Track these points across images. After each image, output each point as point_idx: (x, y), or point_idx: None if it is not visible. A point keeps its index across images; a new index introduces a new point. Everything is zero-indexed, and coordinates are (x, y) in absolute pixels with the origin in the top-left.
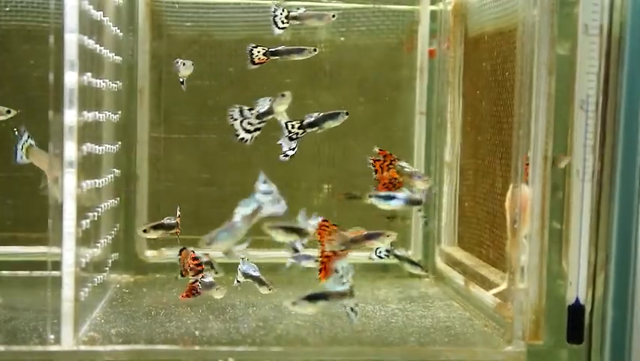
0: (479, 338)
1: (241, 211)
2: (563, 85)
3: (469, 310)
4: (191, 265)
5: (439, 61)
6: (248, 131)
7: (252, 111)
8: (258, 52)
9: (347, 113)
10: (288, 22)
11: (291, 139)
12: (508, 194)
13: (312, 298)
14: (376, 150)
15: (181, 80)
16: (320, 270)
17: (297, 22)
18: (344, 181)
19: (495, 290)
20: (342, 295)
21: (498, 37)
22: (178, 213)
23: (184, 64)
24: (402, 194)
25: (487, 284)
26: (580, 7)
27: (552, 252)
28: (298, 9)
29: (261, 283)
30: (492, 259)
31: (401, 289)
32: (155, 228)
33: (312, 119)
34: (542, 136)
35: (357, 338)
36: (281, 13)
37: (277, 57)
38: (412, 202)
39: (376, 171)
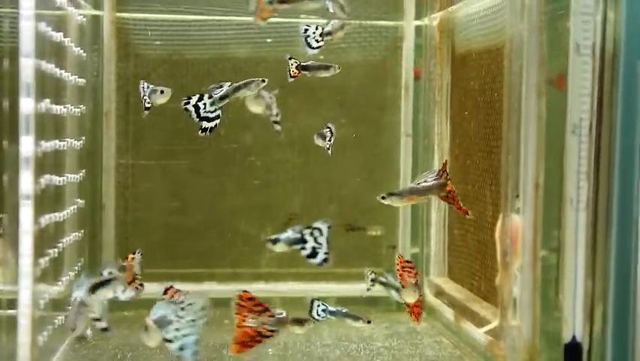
0: None
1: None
2: (554, 107)
3: (460, 348)
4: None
5: (425, 79)
6: (209, 120)
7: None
8: (291, 64)
9: (263, 81)
10: (322, 40)
11: (205, 119)
12: (498, 224)
13: None
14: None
15: (148, 105)
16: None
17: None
18: (324, 209)
19: (486, 328)
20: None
21: (486, 54)
22: (133, 256)
23: (162, 92)
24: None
25: (477, 320)
26: (571, 24)
27: (546, 286)
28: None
29: (355, 318)
30: (483, 292)
31: (388, 324)
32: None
33: (223, 91)
34: (533, 162)
35: None
36: (314, 33)
37: (306, 72)
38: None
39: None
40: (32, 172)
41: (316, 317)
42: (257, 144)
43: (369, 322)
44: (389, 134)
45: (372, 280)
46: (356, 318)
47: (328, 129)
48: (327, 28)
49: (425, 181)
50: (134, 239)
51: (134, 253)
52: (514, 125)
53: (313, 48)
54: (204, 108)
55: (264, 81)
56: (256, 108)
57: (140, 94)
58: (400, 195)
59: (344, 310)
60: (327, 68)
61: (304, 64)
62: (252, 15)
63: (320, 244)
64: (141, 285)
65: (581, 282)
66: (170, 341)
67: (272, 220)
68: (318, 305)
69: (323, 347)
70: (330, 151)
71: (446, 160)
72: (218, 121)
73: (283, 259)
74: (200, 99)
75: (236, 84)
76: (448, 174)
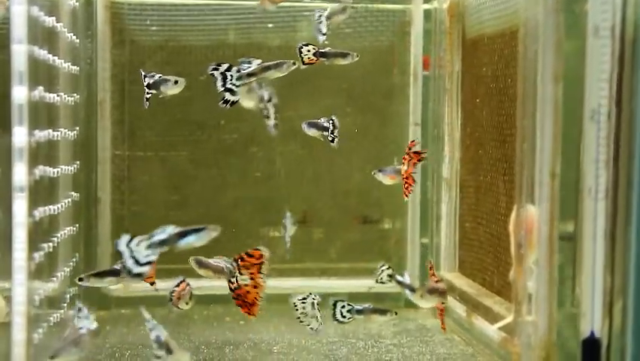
0: None
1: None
2: (572, 93)
3: (472, 345)
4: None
5: (435, 66)
6: (232, 93)
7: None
8: (308, 51)
9: (294, 63)
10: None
11: (229, 91)
12: (513, 215)
13: None
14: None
15: (148, 95)
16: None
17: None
18: (329, 201)
19: (500, 323)
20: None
21: (499, 39)
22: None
23: (176, 82)
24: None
25: (491, 316)
26: (589, 6)
27: (563, 280)
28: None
29: (382, 312)
30: (496, 287)
31: (396, 320)
32: (100, 275)
33: (252, 68)
34: (549, 150)
35: None
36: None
37: (325, 59)
38: None
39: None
40: (26, 163)
41: (341, 319)
42: (258, 134)
43: (396, 313)
44: (397, 123)
45: (390, 276)
46: (383, 312)
47: (331, 121)
48: (327, 12)
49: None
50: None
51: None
52: (529, 112)
53: (324, 34)
54: (230, 79)
55: (294, 64)
56: (248, 103)
57: (145, 84)
58: (384, 172)
59: (371, 307)
60: (344, 55)
61: (322, 51)
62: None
63: None
64: (153, 283)
65: (599, 275)
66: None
67: (274, 213)
68: (343, 306)
69: (329, 344)
70: (334, 144)
71: (414, 140)
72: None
73: (286, 254)
74: (229, 69)
75: (267, 64)
76: (415, 158)
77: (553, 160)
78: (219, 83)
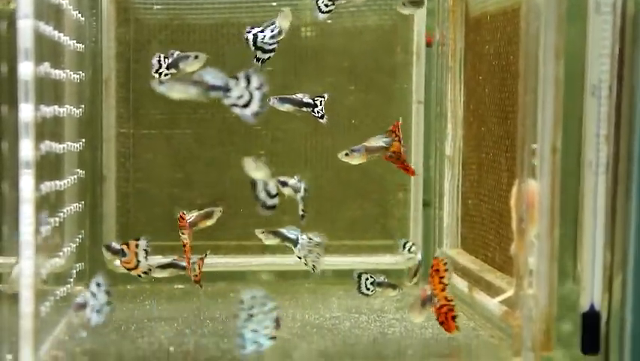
0: (484, 349)
1: None
2: (573, 69)
3: (474, 320)
4: None
5: (438, 44)
6: (265, 51)
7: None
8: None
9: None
10: (333, 3)
11: (260, 49)
12: (514, 191)
13: None
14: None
15: (167, 75)
16: None
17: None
18: (332, 178)
19: (501, 297)
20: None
21: (501, 16)
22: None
23: (196, 57)
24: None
25: (492, 290)
26: None
27: (563, 254)
28: None
29: (393, 287)
30: (498, 263)
31: (399, 296)
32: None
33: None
34: (550, 126)
35: (349, 352)
36: None
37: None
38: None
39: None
40: (32, 139)
41: (365, 292)
42: (263, 113)
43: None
44: (400, 101)
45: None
46: (394, 287)
47: (322, 98)
48: None
49: (377, 140)
50: (135, 211)
51: (138, 240)
52: (531, 88)
53: (323, 12)
54: (262, 39)
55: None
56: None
57: (155, 67)
58: (359, 151)
59: (386, 281)
60: None
61: None
62: None
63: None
64: (145, 273)
65: (599, 250)
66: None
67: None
68: (367, 279)
69: (332, 318)
70: (323, 120)
71: (398, 120)
72: (272, 54)
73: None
74: (262, 32)
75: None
76: (397, 135)
77: (554, 135)
78: (251, 43)
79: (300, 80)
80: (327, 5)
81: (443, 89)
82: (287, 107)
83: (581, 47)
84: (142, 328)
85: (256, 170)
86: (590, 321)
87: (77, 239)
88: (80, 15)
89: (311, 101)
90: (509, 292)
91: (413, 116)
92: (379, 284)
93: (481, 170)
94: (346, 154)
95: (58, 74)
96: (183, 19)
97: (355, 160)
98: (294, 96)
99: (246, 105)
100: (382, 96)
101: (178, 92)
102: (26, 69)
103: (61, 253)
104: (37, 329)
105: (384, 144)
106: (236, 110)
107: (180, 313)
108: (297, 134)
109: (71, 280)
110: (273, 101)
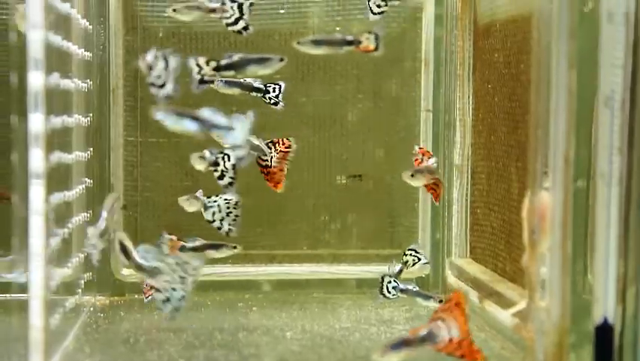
0: None
1: None
2: (586, 79)
3: (485, 331)
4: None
5: (447, 52)
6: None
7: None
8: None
9: (282, 60)
10: (386, 4)
11: (201, 82)
12: (526, 202)
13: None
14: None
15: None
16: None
17: None
18: (340, 187)
19: (513, 309)
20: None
21: (511, 24)
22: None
23: (281, 59)
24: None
25: (503, 301)
26: None
27: (576, 266)
28: None
29: (427, 297)
30: (509, 273)
31: (408, 306)
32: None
33: (231, 60)
34: (563, 136)
35: None
36: None
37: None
38: None
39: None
40: (43, 150)
41: (387, 295)
42: (270, 120)
43: (440, 301)
44: (408, 109)
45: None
46: (427, 297)
47: (277, 86)
48: None
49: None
50: (143, 220)
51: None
52: (543, 98)
53: (375, 14)
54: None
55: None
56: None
57: (194, 70)
58: (422, 172)
59: (415, 289)
60: None
61: None
62: None
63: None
64: (151, 288)
65: (612, 261)
66: (158, 290)
67: (285, 200)
68: (389, 282)
69: (342, 330)
70: (278, 107)
71: (422, 147)
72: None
73: (298, 240)
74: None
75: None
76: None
77: (567, 146)
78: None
79: (307, 88)
80: (379, 6)
81: (452, 97)
82: (234, 91)
83: (594, 56)
84: (151, 340)
85: (190, 206)
86: (603, 334)
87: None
88: (87, 23)
89: (262, 86)
90: (521, 305)
91: (422, 125)
92: (403, 290)
93: (490, 179)
94: (412, 175)
95: (67, 83)
96: (190, 27)
97: (419, 182)
98: (242, 80)
99: (161, 86)
100: (391, 104)
101: (173, 123)
102: (36, 80)
103: (69, 264)
104: (47, 341)
105: (435, 165)
106: (153, 90)
107: (189, 323)
108: (306, 143)
109: (79, 290)
110: (218, 84)
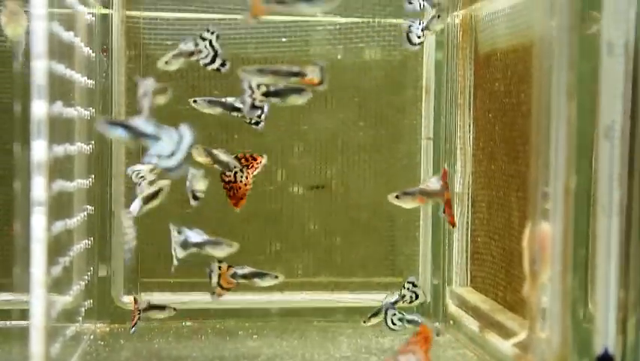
0: None
1: None
2: (586, 110)
3: None
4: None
5: (448, 80)
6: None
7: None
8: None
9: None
10: (424, 36)
11: (253, 107)
12: (527, 231)
13: None
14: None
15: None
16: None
17: None
18: (341, 215)
19: (514, 340)
20: None
21: (512, 54)
22: None
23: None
24: None
25: (504, 331)
26: (603, 23)
27: (576, 296)
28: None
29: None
30: (509, 303)
31: (408, 335)
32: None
33: (277, 87)
34: (563, 166)
35: None
36: (417, 28)
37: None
38: None
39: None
40: (45, 178)
41: (392, 327)
42: (272, 148)
43: (437, 334)
44: (409, 137)
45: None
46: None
47: (250, 91)
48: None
49: (429, 185)
50: (144, 247)
51: None
52: (543, 128)
53: (415, 44)
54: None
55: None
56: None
57: (248, 92)
58: (412, 194)
59: (420, 320)
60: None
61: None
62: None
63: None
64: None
65: (613, 292)
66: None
67: (286, 227)
68: (394, 314)
69: (342, 359)
70: (258, 127)
71: (444, 168)
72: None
73: (298, 268)
74: None
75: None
76: (446, 183)
77: (567, 176)
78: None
79: (309, 115)
80: (419, 37)
81: (452, 125)
82: (215, 110)
83: (593, 87)
84: None
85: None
86: None
87: (86, 276)
88: (90, 51)
89: (241, 106)
90: (522, 335)
91: (422, 153)
92: (410, 321)
93: (491, 208)
94: (397, 196)
95: (69, 112)
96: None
97: (408, 204)
98: (223, 99)
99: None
100: (392, 132)
101: (108, 131)
102: (39, 108)
103: (70, 291)
104: None
105: (440, 188)
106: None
107: (189, 352)
108: (307, 170)
109: (80, 317)
110: (200, 102)
